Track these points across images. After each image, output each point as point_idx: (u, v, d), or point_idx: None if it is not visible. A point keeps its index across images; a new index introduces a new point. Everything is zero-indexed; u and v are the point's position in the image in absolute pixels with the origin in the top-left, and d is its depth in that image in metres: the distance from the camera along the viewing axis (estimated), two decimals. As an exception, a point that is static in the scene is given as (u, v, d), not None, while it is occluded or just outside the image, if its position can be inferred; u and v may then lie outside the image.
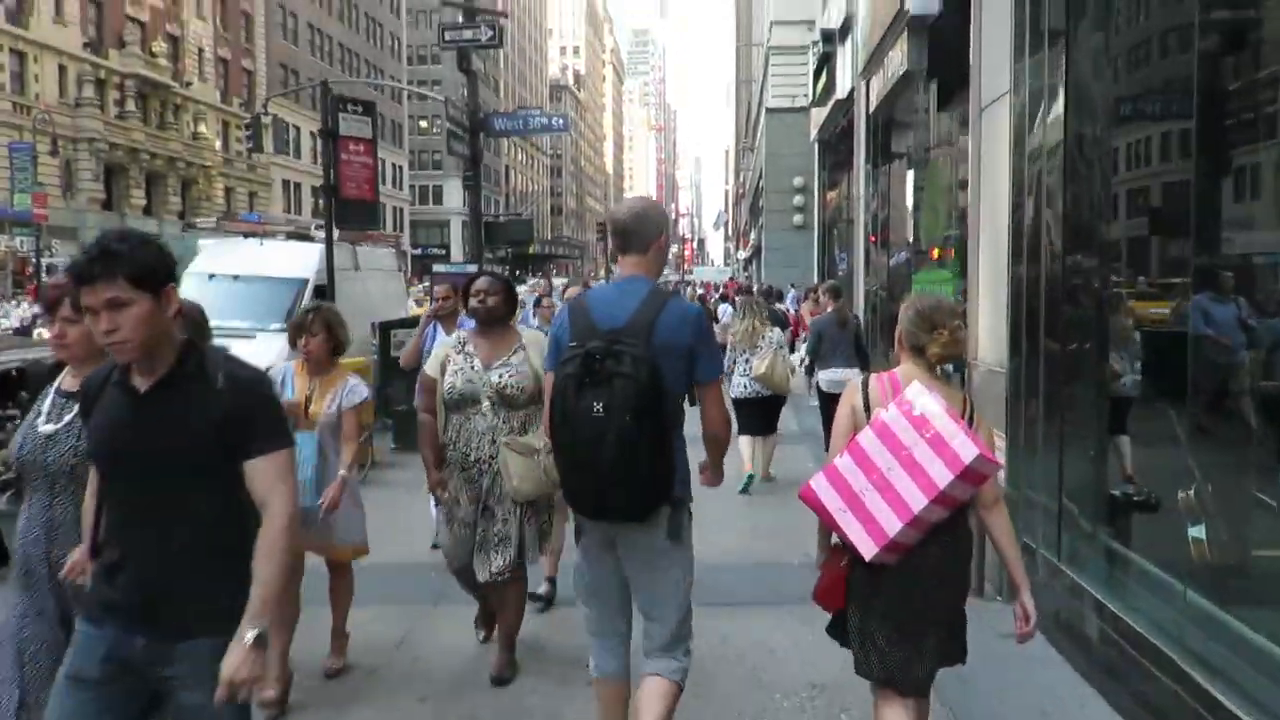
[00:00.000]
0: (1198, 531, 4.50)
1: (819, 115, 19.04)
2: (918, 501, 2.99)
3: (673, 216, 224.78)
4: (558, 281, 30.19)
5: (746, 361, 8.81)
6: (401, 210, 74.25)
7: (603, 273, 55.34)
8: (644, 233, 3.37)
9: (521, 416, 4.40)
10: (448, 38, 14.10)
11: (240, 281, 12.35)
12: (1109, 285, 5.39)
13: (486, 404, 4.37)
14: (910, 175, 11.16)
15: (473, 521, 4.43)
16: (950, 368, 7.88)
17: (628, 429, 2.98)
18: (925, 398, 3.09)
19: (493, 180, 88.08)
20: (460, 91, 15.12)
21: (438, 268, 13.44)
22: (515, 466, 4.24)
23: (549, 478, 4.10)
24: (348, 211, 11.21)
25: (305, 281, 12.38)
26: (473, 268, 12.41)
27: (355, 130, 10.85)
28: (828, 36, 15.48)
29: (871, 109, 11.81)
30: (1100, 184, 5.38)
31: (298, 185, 55.86)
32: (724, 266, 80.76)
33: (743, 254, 59.40)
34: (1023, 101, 5.43)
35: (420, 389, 4.88)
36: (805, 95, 22.95)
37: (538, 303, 9.88)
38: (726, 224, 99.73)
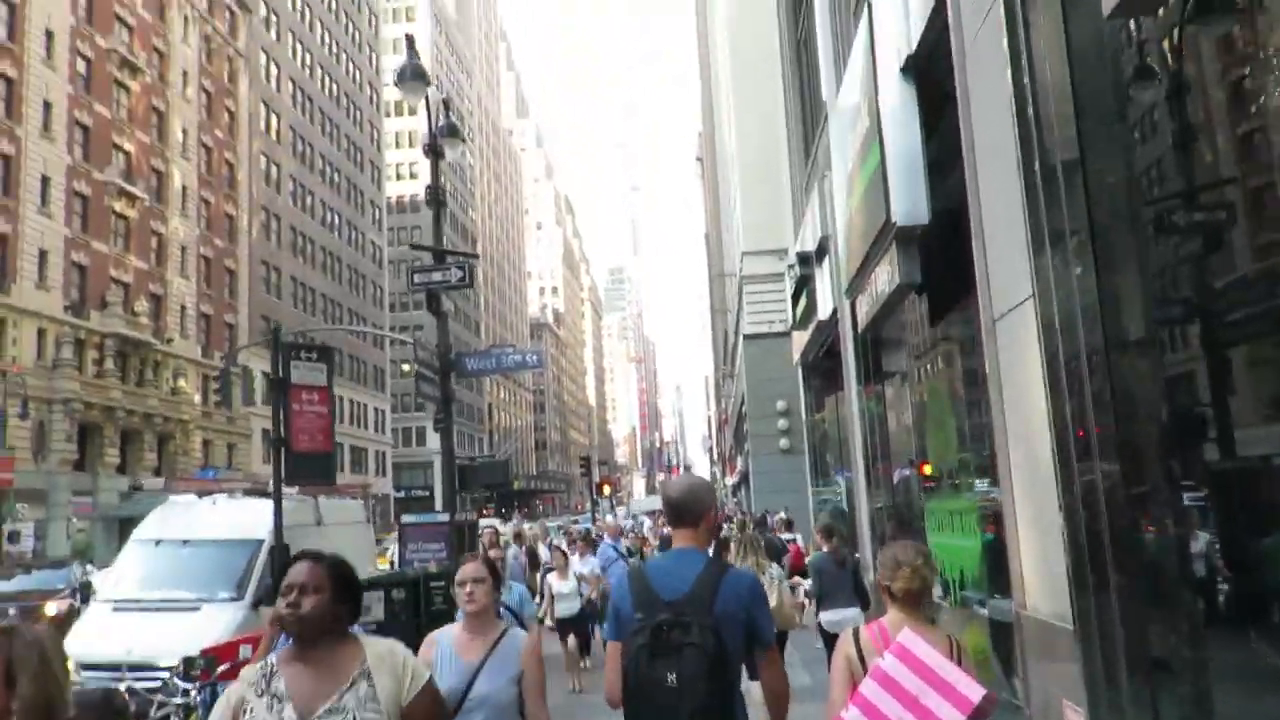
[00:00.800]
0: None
1: (800, 339, 18.70)
2: None
3: (657, 445, 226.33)
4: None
5: None
6: (384, 453, 74.11)
7: (588, 505, 54.18)
8: (695, 509, 3.54)
9: None
10: (417, 280, 13.73)
11: (189, 546, 11.34)
12: (1182, 496, 4.52)
13: None
14: (907, 393, 10.50)
15: None
16: (977, 600, 6.99)
17: (701, 700, 3.08)
18: (922, 645, 3.31)
19: (475, 419, 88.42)
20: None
21: (406, 518, 12.40)
22: None
23: None
24: (301, 465, 10.35)
25: (260, 543, 11.36)
26: (444, 516, 11.43)
27: (308, 378, 10.15)
28: (804, 259, 15.28)
29: (860, 327, 11.29)
30: (1154, 384, 4.62)
31: (278, 434, 55.37)
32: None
33: (730, 480, 58.59)
34: (1050, 305, 4.75)
35: None
36: (782, 320, 22.86)
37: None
38: (711, 450, 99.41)
